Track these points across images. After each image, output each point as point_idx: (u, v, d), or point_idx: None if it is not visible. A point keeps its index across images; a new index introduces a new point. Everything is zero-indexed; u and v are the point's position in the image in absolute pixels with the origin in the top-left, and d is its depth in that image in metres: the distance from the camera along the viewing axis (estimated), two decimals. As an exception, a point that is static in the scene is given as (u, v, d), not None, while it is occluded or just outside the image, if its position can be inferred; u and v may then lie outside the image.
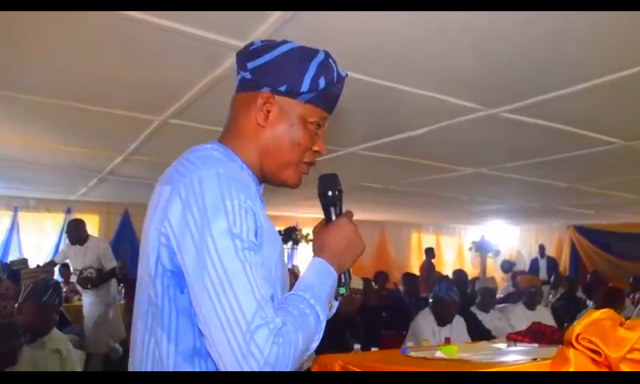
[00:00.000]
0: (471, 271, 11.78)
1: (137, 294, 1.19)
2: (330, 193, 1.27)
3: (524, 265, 11.70)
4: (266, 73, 1.20)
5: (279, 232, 10.07)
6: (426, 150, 4.33)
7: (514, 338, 2.67)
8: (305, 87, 1.18)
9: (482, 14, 1.93)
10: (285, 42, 1.22)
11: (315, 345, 1.10)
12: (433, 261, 11.13)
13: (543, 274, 10.64)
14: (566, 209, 8.43)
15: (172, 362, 1.08)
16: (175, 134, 3.88)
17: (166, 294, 1.09)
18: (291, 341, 0.99)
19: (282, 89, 1.19)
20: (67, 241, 6.22)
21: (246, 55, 1.23)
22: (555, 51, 2.28)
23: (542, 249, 11.43)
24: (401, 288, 7.39)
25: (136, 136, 4.07)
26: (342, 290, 1.25)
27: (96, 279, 5.73)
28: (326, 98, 1.22)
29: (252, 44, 1.24)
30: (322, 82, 1.19)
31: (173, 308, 1.08)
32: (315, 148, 1.25)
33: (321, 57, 1.21)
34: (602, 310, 1.69)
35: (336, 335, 3.88)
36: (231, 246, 1.01)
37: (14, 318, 2.66)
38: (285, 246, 10.43)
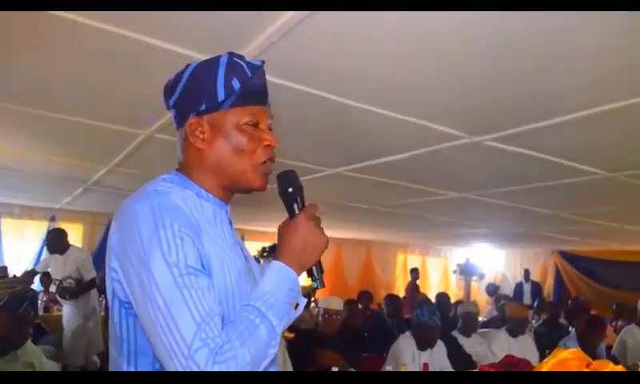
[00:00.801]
0: (456, 293, 11.80)
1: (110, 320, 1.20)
2: (290, 189, 1.27)
3: (509, 288, 11.72)
4: (184, 101, 1.23)
5: (263, 249, 10.04)
6: (411, 173, 4.34)
7: (487, 369, 2.67)
8: (221, 95, 1.19)
9: (466, 44, 1.95)
10: (187, 65, 1.25)
11: (272, 351, 1.09)
12: (417, 282, 11.13)
13: (527, 299, 10.67)
14: (550, 234, 8.47)
15: None
16: (161, 148, 3.86)
17: (125, 322, 1.13)
18: (235, 356, 1.00)
19: (203, 108, 1.21)
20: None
21: (165, 95, 1.28)
22: (539, 83, 2.30)
23: (526, 273, 11.47)
24: (384, 309, 7.37)
25: (122, 149, 4.06)
26: (315, 284, 1.25)
27: (75, 290, 5.64)
28: (249, 93, 1.22)
29: (167, 82, 1.29)
30: (235, 83, 1.20)
31: (131, 333, 1.12)
32: (264, 143, 1.24)
33: (224, 60, 1.22)
34: (569, 350, 1.69)
35: (315, 356, 3.86)
36: (168, 274, 1.03)
37: (-14, 331, 2.61)
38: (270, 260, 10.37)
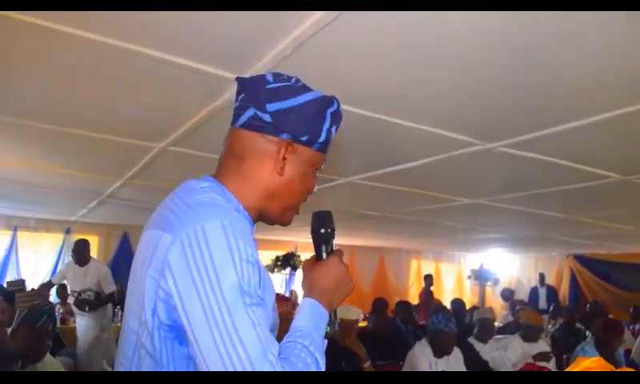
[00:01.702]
0: (470, 299, 11.74)
1: (121, 340, 1.15)
2: (322, 230, 1.28)
3: (524, 292, 11.65)
4: (290, 119, 1.17)
5: (277, 258, 10.10)
6: (424, 181, 4.34)
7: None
8: (322, 137, 1.21)
9: (479, 51, 1.95)
10: (306, 88, 1.22)
11: None
12: (431, 288, 11.07)
13: (543, 303, 10.60)
14: (565, 238, 8.41)
15: None
16: (175, 161, 3.90)
17: (164, 348, 1.06)
18: None
19: (304, 139, 1.19)
20: (66, 261, 6.19)
21: (263, 92, 1.18)
22: (552, 88, 2.29)
23: (542, 277, 11.38)
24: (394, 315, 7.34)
25: (136, 162, 4.09)
26: (328, 329, 1.23)
27: (95, 302, 5.73)
28: (328, 142, 1.25)
29: (266, 80, 1.20)
30: (333, 131, 1.23)
31: (171, 361, 1.06)
32: (311, 189, 1.28)
33: (334, 106, 1.23)
34: (592, 358, 1.67)
35: (332, 365, 3.86)
36: (241, 303, 0.98)
37: (6, 344, 2.65)
38: (283, 271, 10.39)
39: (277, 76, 1.22)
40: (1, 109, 3.01)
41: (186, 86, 2.45)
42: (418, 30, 1.81)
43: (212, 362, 0.96)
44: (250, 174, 1.19)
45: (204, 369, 0.98)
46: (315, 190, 1.29)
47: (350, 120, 2.72)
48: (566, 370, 1.71)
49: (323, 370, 1.09)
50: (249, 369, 0.94)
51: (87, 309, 5.71)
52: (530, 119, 2.69)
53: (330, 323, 1.25)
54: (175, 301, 1.00)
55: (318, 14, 1.73)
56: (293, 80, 1.23)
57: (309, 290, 1.22)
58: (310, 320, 1.15)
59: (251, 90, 1.20)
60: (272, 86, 1.18)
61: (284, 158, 1.18)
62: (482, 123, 2.81)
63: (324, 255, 1.29)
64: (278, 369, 0.97)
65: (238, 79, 1.25)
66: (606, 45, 1.87)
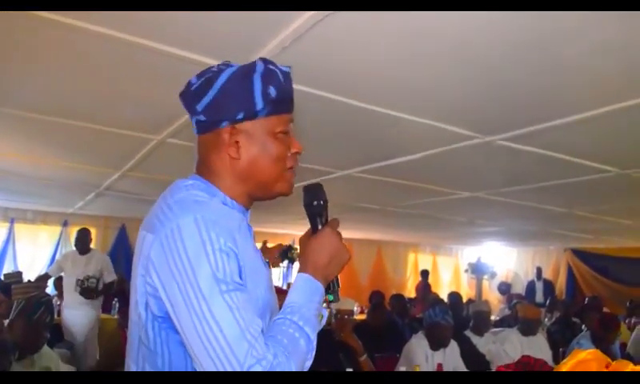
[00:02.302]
0: (467, 292, 11.77)
1: (129, 332, 1.20)
2: (315, 203, 1.28)
3: (521, 286, 11.68)
4: (217, 108, 1.19)
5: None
6: (423, 174, 4.34)
7: (503, 370, 2.66)
8: (259, 104, 1.17)
9: (479, 44, 1.95)
10: (220, 69, 1.21)
11: (309, 363, 1.12)
12: (429, 281, 11.11)
13: (540, 297, 10.62)
14: (563, 232, 8.43)
15: None
16: (173, 153, 3.89)
17: (158, 337, 1.12)
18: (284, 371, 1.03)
19: (240, 117, 1.18)
20: (64, 251, 6.23)
21: (190, 98, 1.22)
22: (551, 82, 2.30)
23: (539, 271, 11.40)
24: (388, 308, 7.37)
25: (134, 154, 4.08)
26: (331, 297, 1.26)
27: (98, 290, 5.91)
28: (282, 101, 1.21)
29: (190, 83, 1.23)
30: (272, 91, 1.18)
31: (166, 350, 1.12)
32: (293, 150, 1.25)
33: (260, 67, 1.20)
34: (588, 350, 1.67)
35: (329, 357, 3.86)
36: (217, 290, 1.03)
37: (2, 336, 2.64)
38: (281, 264, 10.39)
39: (200, 74, 1.23)
40: (1, 101, 2.99)
41: (185, 78, 2.43)
42: (418, 24, 1.81)
43: (195, 346, 1.02)
44: (217, 167, 1.23)
45: (191, 353, 1.05)
46: (296, 149, 1.25)
47: (348, 112, 2.74)
48: (562, 362, 1.70)
49: (313, 341, 1.11)
50: (227, 350, 0.99)
51: (95, 296, 5.84)
52: (529, 113, 2.69)
53: (333, 292, 1.26)
54: (161, 294, 1.07)
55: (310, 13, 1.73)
56: (214, 67, 1.23)
57: (303, 265, 1.22)
58: (302, 295, 1.16)
59: (184, 100, 1.25)
60: (194, 86, 1.22)
61: (236, 143, 1.19)
62: (482, 116, 2.81)
63: (319, 227, 1.28)
64: (259, 349, 1.00)
65: (180, 96, 1.27)
66: (605, 41, 1.87)
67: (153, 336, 1.12)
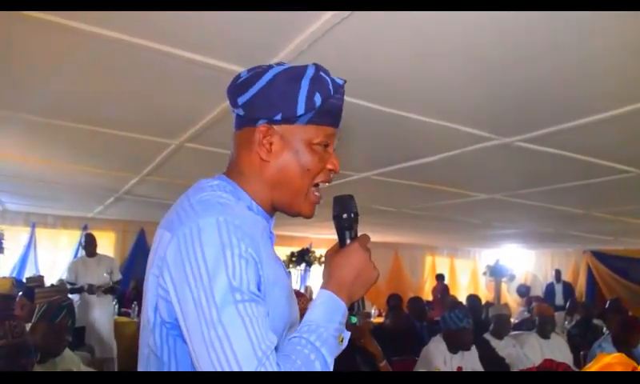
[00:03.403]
0: (485, 295, 11.67)
1: (140, 336, 1.16)
2: (344, 215, 1.20)
3: (540, 288, 11.56)
4: (258, 105, 1.13)
5: (292, 254, 10.10)
6: (440, 176, 4.32)
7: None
8: (301, 109, 1.11)
9: (496, 45, 1.94)
10: (270, 66, 1.16)
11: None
12: (447, 284, 11.05)
13: (559, 299, 10.50)
14: (582, 234, 8.33)
15: None
16: (191, 157, 3.93)
17: (165, 345, 1.07)
18: None
19: (278, 117, 1.12)
20: (79, 255, 6.62)
21: (234, 90, 1.17)
22: (570, 82, 2.28)
23: (557, 273, 11.28)
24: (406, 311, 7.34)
25: (152, 158, 4.12)
26: (354, 319, 1.18)
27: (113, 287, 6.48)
28: (328, 112, 1.15)
29: (239, 76, 1.19)
30: (317, 99, 1.11)
31: (172, 358, 1.06)
32: (329, 166, 1.18)
33: (311, 72, 1.13)
34: (613, 354, 1.65)
35: (347, 360, 3.86)
36: (231, 300, 0.95)
37: (24, 338, 2.68)
38: (298, 267, 10.40)
39: (251, 69, 1.19)
40: (22, 107, 3.05)
41: (203, 83, 2.46)
42: (435, 25, 1.81)
43: (201, 357, 0.96)
44: (245, 168, 1.18)
45: (196, 365, 0.98)
46: (332, 166, 1.19)
47: (366, 115, 2.74)
48: (587, 366, 1.68)
49: (330, 363, 1.03)
50: (235, 367, 0.92)
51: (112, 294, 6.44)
52: (549, 113, 2.67)
53: (357, 314, 1.18)
54: (172, 297, 1.01)
55: (331, 13, 1.73)
56: (266, 65, 1.18)
57: (326, 281, 1.14)
58: (322, 313, 1.08)
59: (229, 92, 1.20)
60: (241, 79, 1.17)
61: (269, 144, 1.14)
62: (499, 118, 2.79)
63: (347, 241, 1.20)
64: (269, 367, 0.93)
65: (226, 89, 1.23)
66: (625, 40, 1.85)
67: (160, 343, 1.06)
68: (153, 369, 1.09)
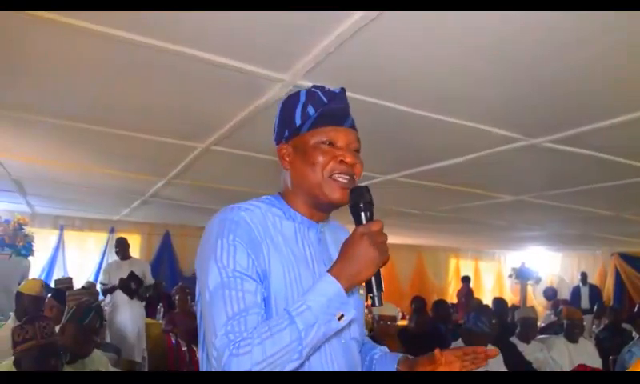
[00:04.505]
0: (511, 298, 11.53)
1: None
2: (361, 204, 1.29)
3: (567, 291, 11.38)
4: (277, 132, 1.42)
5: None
6: (466, 177, 4.29)
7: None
8: (298, 121, 1.35)
9: (525, 45, 1.92)
10: (283, 98, 1.43)
11: (297, 356, 1.11)
12: (471, 286, 10.94)
13: (585, 303, 10.32)
14: (609, 236, 8.19)
15: (205, 368, 1.30)
16: (217, 160, 3.96)
17: (200, 316, 1.30)
18: (250, 352, 1.09)
19: (287, 134, 1.38)
20: (110, 259, 6.70)
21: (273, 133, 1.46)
22: (599, 82, 2.24)
23: (584, 276, 11.08)
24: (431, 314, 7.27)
25: (179, 161, 4.17)
26: (372, 302, 1.24)
27: (139, 292, 6.54)
28: (325, 116, 1.34)
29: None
30: (310, 110, 1.34)
31: (201, 322, 1.29)
32: (339, 158, 1.32)
33: (304, 91, 1.38)
34: (650, 359, 1.60)
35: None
36: (217, 275, 1.19)
37: (53, 339, 2.72)
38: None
39: None
40: (50, 111, 3.10)
41: (230, 86, 2.48)
42: (462, 25, 1.79)
43: (202, 317, 1.25)
44: (282, 184, 1.43)
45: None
46: (341, 157, 1.32)
47: (392, 116, 2.73)
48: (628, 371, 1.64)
49: (302, 335, 1.11)
50: (210, 321, 1.16)
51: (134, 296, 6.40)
52: (577, 114, 2.64)
53: (373, 296, 1.24)
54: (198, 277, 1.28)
55: (359, 14, 1.74)
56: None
57: (332, 263, 1.24)
58: (312, 292, 1.17)
59: None
60: (274, 125, 1.45)
61: (288, 156, 1.38)
62: (527, 118, 2.76)
63: None
64: (235, 324, 1.12)
65: None
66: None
67: (199, 311, 1.30)
68: (198, 337, 1.35)
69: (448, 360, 1.34)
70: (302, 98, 1.37)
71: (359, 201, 1.29)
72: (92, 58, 2.30)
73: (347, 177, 1.33)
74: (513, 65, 2.12)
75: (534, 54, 2.00)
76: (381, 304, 1.26)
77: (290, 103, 1.39)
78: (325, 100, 1.35)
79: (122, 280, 6.30)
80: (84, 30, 1.94)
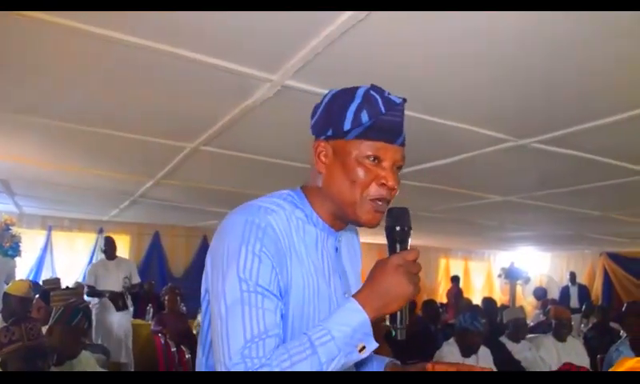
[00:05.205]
0: (500, 298, 11.59)
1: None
2: (397, 228, 1.20)
3: (556, 290, 11.45)
4: (318, 125, 1.27)
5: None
6: (455, 178, 4.30)
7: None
8: (347, 125, 1.19)
9: (514, 46, 1.93)
10: (329, 91, 1.28)
11: None
12: (460, 286, 10.98)
13: (574, 302, 10.40)
14: (598, 236, 8.25)
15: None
16: (206, 160, 3.94)
17: (206, 315, 1.22)
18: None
19: (329, 133, 1.23)
20: (99, 258, 6.68)
21: (311, 118, 1.31)
22: (587, 83, 2.26)
23: (572, 276, 11.16)
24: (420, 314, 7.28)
25: (168, 162, 4.15)
26: (394, 333, 1.16)
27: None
28: (378, 128, 1.19)
29: (314, 105, 1.33)
30: (364, 116, 1.18)
31: (208, 326, 1.21)
32: (381, 181, 1.20)
33: (361, 91, 1.23)
34: (636, 359, 1.61)
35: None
36: (237, 287, 1.09)
37: (40, 340, 2.70)
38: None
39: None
40: (38, 112, 3.08)
41: (218, 86, 2.47)
42: (450, 26, 1.80)
43: (213, 330, 1.13)
44: (310, 182, 1.30)
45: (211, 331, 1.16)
46: (384, 181, 1.20)
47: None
48: (610, 371, 1.65)
49: (323, 368, 1.03)
50: (226, 343, 1.06)
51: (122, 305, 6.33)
52: (566, 115, 2.65)
53: (398, 329, 1.17)
54: (207, 272, 1.20)
55: (347, 14, 1.73)
56: (328, 90, 1.30)
57: (358, 290, 1.15)
58: (337, 318, 1.08)
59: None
60: (313, 110, 1.31)
61: (324, 156, 1.24)
62: (516, 119, 2.77)
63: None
64: (254, 348, 1.03)
65: None
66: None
67: (203, 312, 1.23)
68: (199, 339, 1.27)
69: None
70: (358, 99, 1.21)
71: (397, 224, 1.20)
72: (81, 59, 2.28)
73: (385, 201, 1.23)
74: (501, 66, 2.12)
75: (522, 55, 2.00)
76: (403, 338, 1.17)
77: (342, 99, 1.23)
78: (382, 109, 1.19)
79: (112, 293, 6.24)
80: (73, 31, 1.93)
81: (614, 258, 11.24)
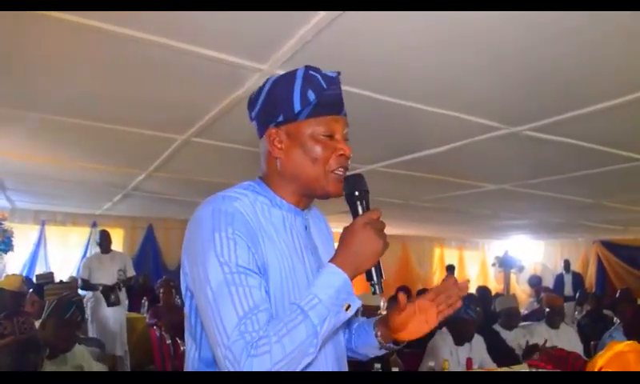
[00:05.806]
0: (495, 286, 11.63)
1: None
2: (356, 192, 1.28)
3: (550, 278, 11.50)
4: (264, 114, 1.31)
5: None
6: (448, 167, 4.30)
7: (535, 363, 2.61)
8: (297, 107, 1.25)
9: (504, 33, 1.92)
10: (269, 79, 1.33)
11: (313, 350, 1.10)
12: (455, 276, 11.01)
13: (568, 290, 10.44)
14: (591, 224, 8.28)
15: (197, 367, 1.25)
16: (198, 152, 3.92)
17: (193, 310, 1.25)
18: (269, 351, 1.05)
19: (281, 119, 1.27)
20: (93, 252, 6.63)
21: (248, 108, 1.36)
22: (579, 70, 2.26)
23: (567, 264, 11.20)
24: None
25: (160, 154, 4.13)
26: (373, 290, 1.25)
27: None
28: (325, 104, 1.27)
29: (250, 95, 1.37)
30: (311, 95, 1.25)
31: (198, 322, 1.23)
32: (339, 152, 1.28)
33: (301, 73, 1.28)
34: (625, 342, 1.62)
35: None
36: (219, 271, 1.13)
37: (32, 334, 2.69)
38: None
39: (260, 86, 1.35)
40: (29, 105, 3.06)
41: (208, 76, 2.46)
42: (442, 15, 1.79)
43: (204, 314, 1.15)
44: (268, 169, 1.34)
45: (203, 321, 1.17)
46: (341, 152, 1.28)
47: (372, 106, 2.72)
48: (599, 354, 1.66)
49: (317, 329, 1.10)
50: (219, 323, 1.09)
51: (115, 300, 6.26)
52: (557, 101, 2.65)
53: (375, 284, 1.24)
54: (187, 270, 1.23)
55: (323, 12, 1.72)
56: (265, 81, 1.34)
57: (334, 255, 1.22)
58: (320, 284, 1.16)
59: (248, 111, 1.38)
60: (250, 98, 1.36)
61: (279, 143, 1.29)
62: (507, 107, 2.77)
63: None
64: (249, 323, 1.07)
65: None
66: (636, 26, 1.82)
67: (189, 311, 1.26)
68: (187, 332, 1.28)
69: (422, 307, 1.33)
70: (299, 80, 1.26)
71: (355, 189, 1.28)
72: (70, 51, 2.27)
73: (345, 169, 1.31)
74: (492, 54, 2.12)
75: (513, 43, 2.00)
76: (382, 291, 1.26)
77: (284, 83, 1.28)
78: (324, 85, 1.26)
79: (104, 287, 6.23)
80: (62, 23, 1.91)
81: (608, 245, 11.29)
